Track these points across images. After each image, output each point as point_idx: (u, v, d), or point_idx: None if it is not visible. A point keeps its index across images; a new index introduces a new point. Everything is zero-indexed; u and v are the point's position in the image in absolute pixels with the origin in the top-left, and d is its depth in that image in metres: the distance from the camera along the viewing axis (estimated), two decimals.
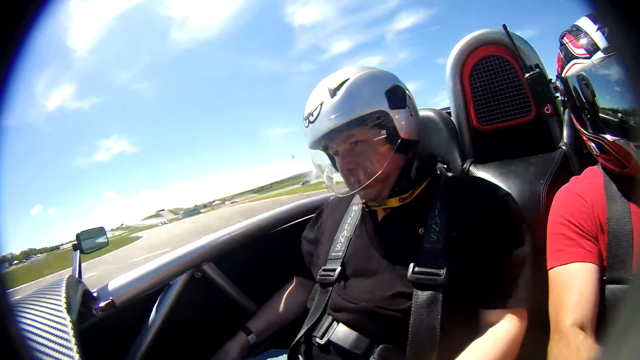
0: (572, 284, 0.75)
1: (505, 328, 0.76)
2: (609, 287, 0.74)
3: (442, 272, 0.77)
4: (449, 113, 1.26)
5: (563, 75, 0.81)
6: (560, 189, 0.89)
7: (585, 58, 0.74)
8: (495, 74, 1.15)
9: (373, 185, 0.86)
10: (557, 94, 1.13)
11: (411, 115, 0.89)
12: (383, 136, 0.86)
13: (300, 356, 0.88)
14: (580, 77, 0.77)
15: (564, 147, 1.05)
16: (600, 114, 0.75)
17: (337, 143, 0.88)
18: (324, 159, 1.00)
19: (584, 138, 0.83)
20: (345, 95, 0.84)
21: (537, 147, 1.12)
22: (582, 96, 0.78)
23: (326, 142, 0.90)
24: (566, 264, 0.78)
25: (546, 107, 1.05)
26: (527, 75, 1.05)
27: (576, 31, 0.77)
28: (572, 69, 0.77)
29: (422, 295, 0.77)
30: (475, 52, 1.16)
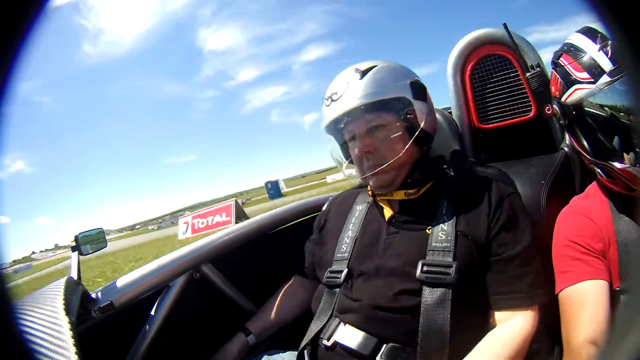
0: (584, 301, 0.73)
1: (515, 326, 0.76)
2: (623, 297, 0.72)
3: (451, 270, 0.77)
4: (450, 112, 1.26)
5: (563, 100, 0.76)
6: (563, 210, 0.87)
7: (589, 82, 0.69)
8: (496, 73, 1.15)
9: (387, 171, 0.87)
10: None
11: (430, 110, 0.93)
12: (404, 123, 0.88)
13: (307, 358, 0.88)
14: (584, 104, 0.72)
15: (565, 149, 1.05)
16: (606, 141, 0.72)
17: (356, 124, 0.88)
18: (338, 147, 1.01)
19: (586, 161, 0.80)
20: (373, 77, 0.87)
21: (538, 146, 1.11)
22: (586, 123, 0.73)
23: (346, 122, 0.90)
24: (575, 283, 0.75)
25: (547, 107, 1.05)
26: (528, 74, 1.05)
27: (575, 51, 0.73)
28: (575, 95, 0.72)
29: (431, 294, 0.77)
30: (476, 51, 1.15)
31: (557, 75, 0.78)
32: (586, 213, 0.81)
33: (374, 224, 0.94)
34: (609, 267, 0.75)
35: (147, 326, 1.09)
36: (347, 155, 0.98)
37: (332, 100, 0.89)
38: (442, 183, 0.93)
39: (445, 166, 1.00)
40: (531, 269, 0.79)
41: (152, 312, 1.11)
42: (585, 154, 0.78)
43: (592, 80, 0.69)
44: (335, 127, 0.93)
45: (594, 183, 0.86)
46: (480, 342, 0.75)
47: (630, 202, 0.75)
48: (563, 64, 0.75)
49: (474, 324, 0.79)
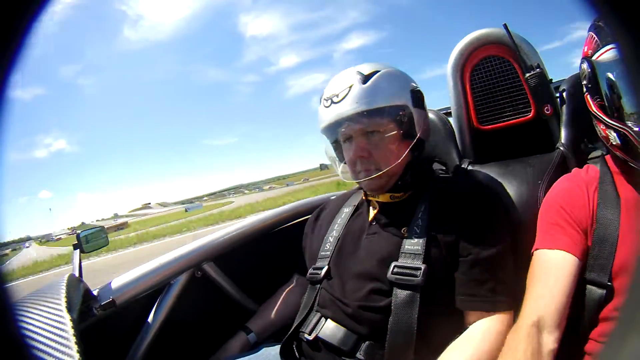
0: (549, 272, 0.75)
1: (485, 329, 0.76)
2: (594, 291, 0.74)
3: (419, 273, 0.79)
4: (448, 113, 1.26)
5: (595, 58, 0.78)
6: (562, 177, 0.89)
7: None
8: (495, 73, 1.14)
9: (380, 177, 0.88)
10: (557, 95, 1.12)
11: (426, 117, 0.94)
12: (401, 131, 0.88)
13: (294, 352, 0.91)
14: (616, 62, 0.73)
15: (561, 148, 1.05)
16: (628, 103, 0.73)
17: (354, 129, 0.88)
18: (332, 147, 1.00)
19: (601, 127, 0.80)
20: (376, 83, 0.86)
21: (537, 147, 1.11)
22: (612, 82, 0.75)
23: (346, 126, 0.89)
24: (549, 249, 0.78)
25: (546, 107, 1.05)
26: (527, 75, 1.05)
27: None
28: (609, 53, 0.75)
29: (400, 295, 0.79)
30: (476, 51, 1.15)
31: (594, 35, 0.79)
32: (582, 184, 0.83)
33: (357, 225, 0.97)
34: (586, 248, 0.76)
35: (149, 324, 1.09)
36: (340, 156, 0.98)
37: (333, 102, 0.88)
38: (424, 186, 0.93)
39: (441, 167, 1.00)
40: (497, 276, 0.79)
41: (154, 310, 1.11)
42: (604, 118, 0.78)
43: None
44: (333, 129, 0.93)
45: (591, 165, 0.87)
46: (450, 345, 0.76)
47: (634, 177, 0.77)
48: (603, 25, 0.77)
49: (445, 323, 0.79)
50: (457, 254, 0.81)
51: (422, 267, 0.79)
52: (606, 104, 0.77)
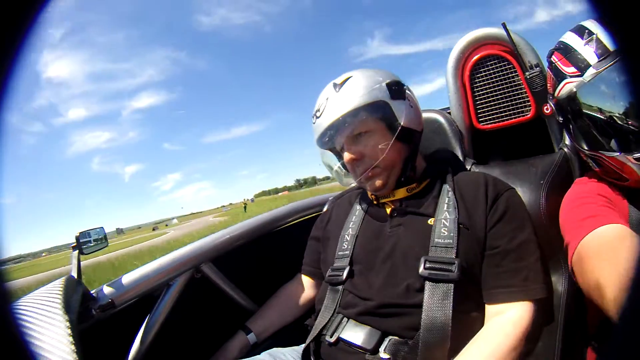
0: (625, 239, 0.64)
1: (512, 318, 0.76)
2: None
3: (454, 267, 0.78)
4: (449, 113, 1.26)
5: (556, 95, 0.79)
6: (577, 181, 0.87)
7: (577, 76, 0.72)
8: (495, 73, 1.15)
9: (378, 173, 0.89)
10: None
11: (411, 107, 0.93)
12: (384, 125, 0.90)
13: (311, 357, 0.88)
14: (573, 96, 0.74)
15: (565, 149, 1.05)
16: (595, 132, 0.73)
17: (341, 136, 0.91)
18: (332, 158, 1.04)
19: (582, 155, 0.81)
20: (348, 88, 0.90)
21: (537, 146, 1.11)
22: (576, 115, 0.76)
23: (331, 136, 0.93)
24: (608, 224, 0.67)
25: (546, 107, 1.05)
26: (527, 74, 1.05)
27: (564, 48, 0.76)
28: (565, 89, 0.75)
29: (434, 290, 0.78)
30: (475, 51, 1.15)
31: (551, 73, 0.81)
32: (596, 191, 0.79)
33: (375, 220, 0.96)
34: None
35: (148, 325, 1.09)
36: (345, 165, 1.00)
37: (317, 117, 0.93)
38: (443, 178, 0.94)
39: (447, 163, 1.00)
40: (527, 264, 0.79)
41: (153, 311, 1.11)
42: (580, 147, 0.80)
43: (580, 73, 0.72)
44: (325, 141, 0.97)
45: (593, 172, 0.86)
46: (477, 335, 0.76)
47: (631, 196, 0.75)
48: (554, 61, 0.78)
49: (475, 318, 0.80)
50: (486, 245, 0.81)
51: (456, 260, 0.78)
52: (578, 135, 0.78)
